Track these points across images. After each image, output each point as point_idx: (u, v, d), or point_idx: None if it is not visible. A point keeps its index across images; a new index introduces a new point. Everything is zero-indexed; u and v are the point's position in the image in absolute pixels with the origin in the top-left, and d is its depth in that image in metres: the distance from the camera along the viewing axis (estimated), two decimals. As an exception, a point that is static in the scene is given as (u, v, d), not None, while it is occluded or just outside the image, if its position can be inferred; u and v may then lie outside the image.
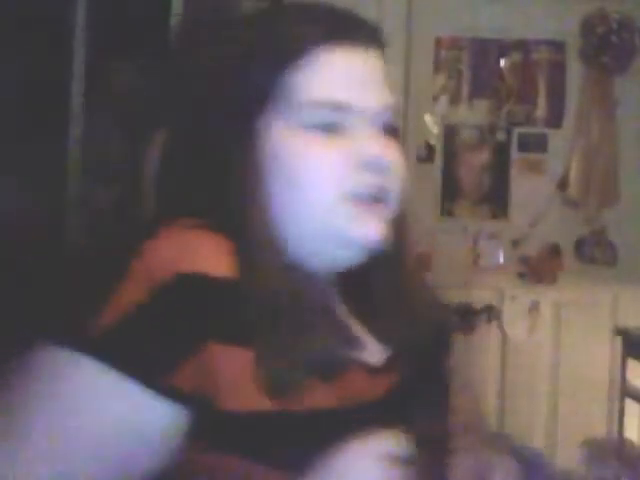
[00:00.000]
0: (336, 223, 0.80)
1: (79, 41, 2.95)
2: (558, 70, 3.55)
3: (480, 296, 3.42)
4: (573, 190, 3.49)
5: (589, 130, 3.49)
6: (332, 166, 0.79)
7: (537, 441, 3.34)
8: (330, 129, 0.80)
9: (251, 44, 0.82)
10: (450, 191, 3.54)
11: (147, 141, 0.88)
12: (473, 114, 3.54)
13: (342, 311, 0.85)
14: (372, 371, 0.81)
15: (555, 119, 3.54)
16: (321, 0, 0.86)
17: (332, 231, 0.80)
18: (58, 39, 2.92)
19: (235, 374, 0.72)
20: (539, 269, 3.49)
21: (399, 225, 0.85)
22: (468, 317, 3.35)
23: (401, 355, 0.85)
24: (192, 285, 0.72)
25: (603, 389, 3.39)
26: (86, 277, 0.77)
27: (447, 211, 3.55)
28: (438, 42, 3.53)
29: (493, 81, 3.54)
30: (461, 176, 3.54)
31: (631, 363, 3.07)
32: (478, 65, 3.54)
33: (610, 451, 3.10)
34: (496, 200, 3.54)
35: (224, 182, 0.80)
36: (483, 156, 3.54)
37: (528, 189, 3.51)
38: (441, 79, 3.54)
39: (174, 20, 2.84)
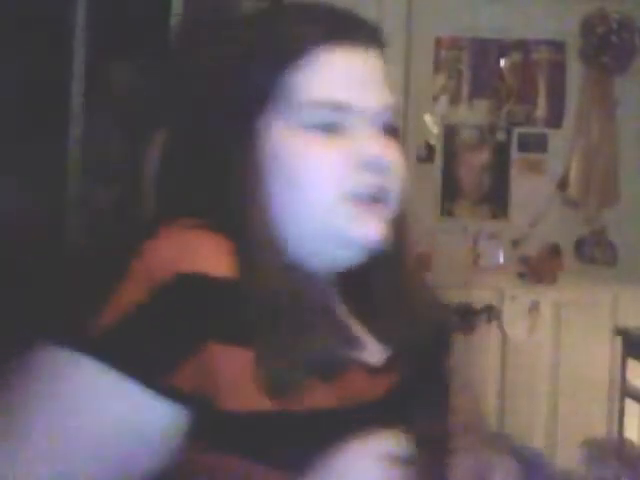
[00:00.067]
0: (336, 223, 0.80)
1: (79, 41, 2.95)
2: (558, 70, 3.54)
3: (480, 296, 3.42)
4: (573, 190, 3.49)
5: (589, 130, 3.49)
6: (332, 166, 0.79)
7: (537, 441, 3.34)
8: (330, 129, 0.80)
9: (251, 44, 0.82)
10: (450, 191, 3.54)
11: (147, 141, 0.88)
12: (473, 114, 3.54)
13: (342, 311, 0.85)
14: (372, 371, 0.81)
15: (555, 119, 3.54)
16: (321, 0, 0.86)
17: (332, 231, 0.80)
18: (58, 39, 2.92)
19: (235, 374, 0.72)
20: (539, 269, 3.49)
21: (399, 225, 0.85)
22: (468, 317, 3.35)
23: (401, 355, 0.85)
24: (192, 285, 0.72)
25: (603, 389, 3.39)
26: (86, 277, 0.77)
27: (447, 211, 3.54)
28: (438, 42, 3.53)
29: (493, 81, 3.54)
30: (461, 176, 3.54)
31: (631, 363, 3.07)
32: (478, 65, 3.54)
33: (610, 451, 3.10)
34: (496, 200, 3.54)
35: (224, 182, 0.80)
36: (483, 156, 3.54)
37: (528, 189, 3.51)
38: (441, 79, 3.54)
39: (174, 20, 2.84)
